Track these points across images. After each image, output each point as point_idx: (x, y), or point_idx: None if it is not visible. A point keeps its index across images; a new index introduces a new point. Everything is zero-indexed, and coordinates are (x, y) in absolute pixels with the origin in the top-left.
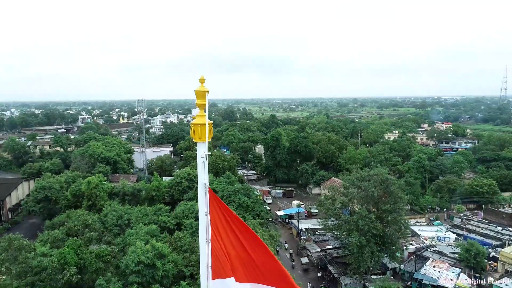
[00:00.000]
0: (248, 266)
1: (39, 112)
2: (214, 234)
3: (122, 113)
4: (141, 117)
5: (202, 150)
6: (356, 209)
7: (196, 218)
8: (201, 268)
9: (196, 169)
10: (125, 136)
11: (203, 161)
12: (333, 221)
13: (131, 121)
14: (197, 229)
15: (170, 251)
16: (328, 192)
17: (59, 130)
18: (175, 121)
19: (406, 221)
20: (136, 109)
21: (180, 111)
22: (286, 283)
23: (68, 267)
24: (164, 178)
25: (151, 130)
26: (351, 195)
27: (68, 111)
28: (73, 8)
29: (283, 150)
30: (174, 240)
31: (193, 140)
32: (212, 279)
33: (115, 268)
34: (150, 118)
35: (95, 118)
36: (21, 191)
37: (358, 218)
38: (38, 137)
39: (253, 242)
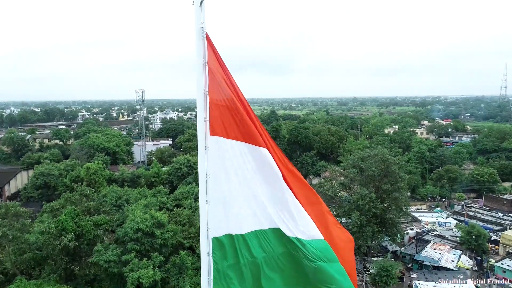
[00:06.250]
0: (242, 123)
1: (39, 109)
2: (213, 86)
3: (122, 110)
4: (141, 113)
5: None
6: (357, 191)
7: (196, 200)
8: (199, 123)
9: (196, 156)
10: (125, 132)
11: (200, 4)
12: (333, 203)
13: (131, 118)
14: (197, 208)
15: (168, 221)
16: (329, 175)
17: (59, 127)
18: (175, 118)
19: (407, 199)
20: (135, 100)
21: (180, 109)
22: (272, 146)
23: (65, 234)
24: (163, 169)
25: (150, 127)
26: (351, 174)
27: (68, 109)
28: (73, 8)
29: (282, 141)
30: (173, 216)
31: None
32: (210, 134)
33: (115, 241)
34: (150, 115)
35: (95, 115)
36: (20, 180)
37: (359, 198)
38: (37, 132)
39: (246, 103)
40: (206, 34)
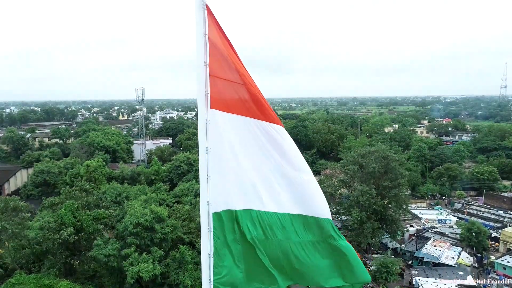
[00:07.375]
0: (247, 98)
1: (39, 109)
2: (214, 58)
3: (122, 110)
4: (141, 112)
5: None
6: (358, 187)
7: (196, 196)
8: (199, 97)
9: (196, 153)
10: (125, 132)
11: None
12: (333, 201)
13: (131, 118)
14: (197, 205)
15: (168, 216)
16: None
17: (59, 126)
18: (175, 117)
19: (407, 196)
20: (135, 99)
21: (180, 109)
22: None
23: (65, 228)
24: (163, 167)
25: (150, 126)
26: (351, 171)
27: (68, 108)
28: (73, 8)
29: None
30: (173, 212)
31: None
32: (210, 108)
33: (115, 236)
34: (149, 115)
35: (94, 115)
36: (20, 179)
37: (359, 194)
38: (37, 131)
39: (251, 79)
40: (207, 6)
